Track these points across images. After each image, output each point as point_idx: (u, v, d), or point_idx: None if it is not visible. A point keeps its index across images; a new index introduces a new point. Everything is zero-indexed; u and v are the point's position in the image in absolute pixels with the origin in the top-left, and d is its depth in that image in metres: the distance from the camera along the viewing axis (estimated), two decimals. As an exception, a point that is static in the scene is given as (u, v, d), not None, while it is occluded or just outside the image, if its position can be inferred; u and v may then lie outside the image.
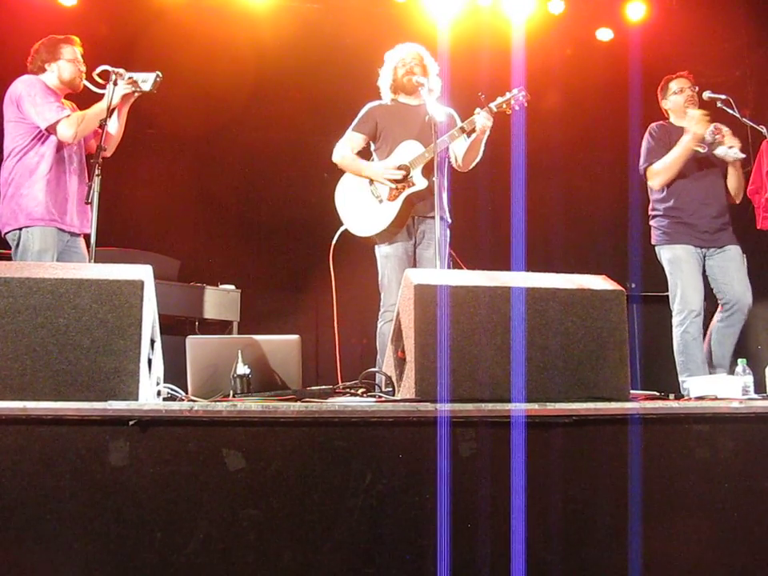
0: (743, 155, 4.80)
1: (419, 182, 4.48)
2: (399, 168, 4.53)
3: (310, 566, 2.38)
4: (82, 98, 4.56)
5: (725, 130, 4.82)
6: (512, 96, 4.54)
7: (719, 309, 4.81)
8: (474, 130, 4.54)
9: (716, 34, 6.89)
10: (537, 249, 5.89)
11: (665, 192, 4.93)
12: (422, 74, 4.65)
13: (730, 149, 4.79)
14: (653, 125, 5.03)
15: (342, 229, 4.59)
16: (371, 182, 4.60)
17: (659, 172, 4.87)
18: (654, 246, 4.99)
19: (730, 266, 4.80)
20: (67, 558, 2.28)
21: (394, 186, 4.51)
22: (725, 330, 4.73)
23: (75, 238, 4.42)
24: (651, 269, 5.19)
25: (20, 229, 4.24)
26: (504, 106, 4.54)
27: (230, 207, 7.02)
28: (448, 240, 4.64)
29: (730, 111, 4.86)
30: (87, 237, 4.23)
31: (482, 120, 4.46)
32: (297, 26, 6.82)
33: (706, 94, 4.93)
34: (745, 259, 4.93)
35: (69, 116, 4.30)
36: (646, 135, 5.01)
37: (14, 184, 4.28)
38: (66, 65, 4.49)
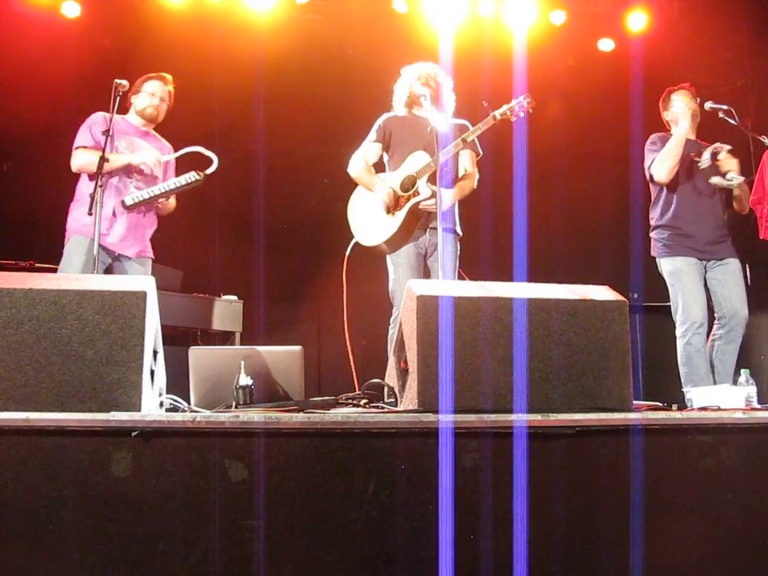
0: (739, 179, 4.80)
1: (424, 192, 4.49)
2: (407, 179, 4.55)
3: (312, 577, 2.38)
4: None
5: (723, 151, 4.83)
6: (516, 103, 4.52)
7: (715, 324, 4.80)
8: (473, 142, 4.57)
9: (717, 43, 6.90)
10: (539, 259, 5.89)
11: (665, 202, 4.94)
12: (435, 92, 4.65)
13: (725, 176, 4.81)
14: (653, 135, 5.05)
15: (353, 241, 4.61)
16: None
17: (662, 159, 4.87)
18: (654, 257, 4.99)
19: (729, 280, 4.80)
20: (69, 569, 2.28)
21: (413, 187, 4.53)
22: (725, 347, 4.72)
23: (129, 260, 4.57)
24: (653, 279, 5.18)
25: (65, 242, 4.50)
26: (508, 113, 4.51)
27: (232, 218, 7.02)
28: (458, 253, 4.65)
29: (732, 121, 4.87)
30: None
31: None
32: (299, 37, 6.84)
33: (708, 105, 4.94)
34: (748, 270, 4.91)
35: (85, 147, 4.48)
36: (647, 144, 5.03)
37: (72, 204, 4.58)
38: (143, 97, 4.70)
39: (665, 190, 4.95)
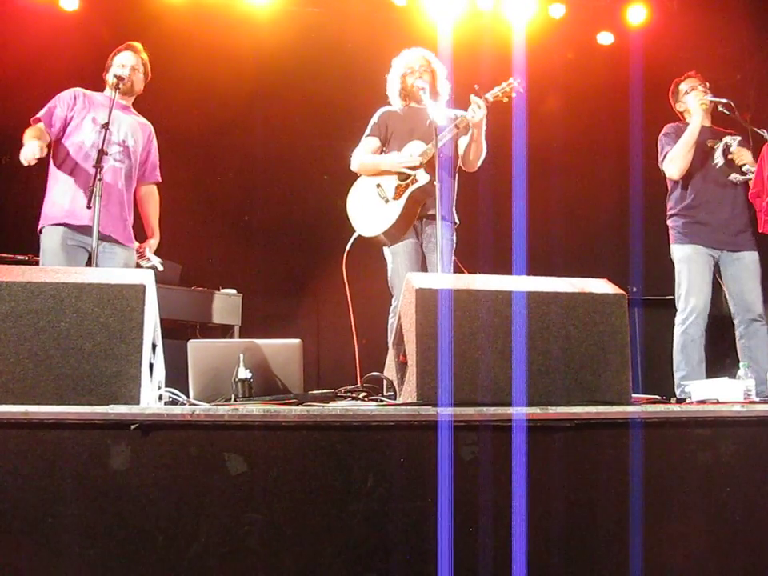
0: (753, 170, 4.80)
1: (421, 178, 4.47)
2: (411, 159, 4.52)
3: (311, 570, 2.38)
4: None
5: (734, 143, 4.82)
6: (507, 84, 4.50)
7: (735, 325, 4.79)
8: (468, 126, 4.53)
9: (716, 37, 6.90)
10: (538, 252, 5.88)
11: (681, 191, 4.92)
12: (431, 79, 4.64)
13: (741, 168, 4.81)
14: (667, 126, 5.04)
15: (354, 236, 4.57)
16: (378, 185, 4.59)
17: (673, 158, 4.87)
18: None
19: (743, 276, 4.78)
20: (68, 562, 2.28)
21: (413, 173, 4.49)
22: (748, 344, 4.70)
23: (111, 245, 4.41)
24: (652, 272, 5.19)
25: (40, 231, 4.34)
26: (500, 94, 4.49)
27: (231, 211, 7.02)
28: (454, 243, 4.63)
29: (731, 115, 4.87)
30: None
31: (470, 112, 4.43)
32: (297, 30, 6.83)
33: (707, 98, 4.93)
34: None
35: (36, 120, 4.38)
36: (660, 135, 5.02)
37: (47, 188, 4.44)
38: (114, 70, 4.52)
39: (681, 179, 4.93)
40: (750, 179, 4.79)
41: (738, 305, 4.75)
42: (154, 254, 4.65)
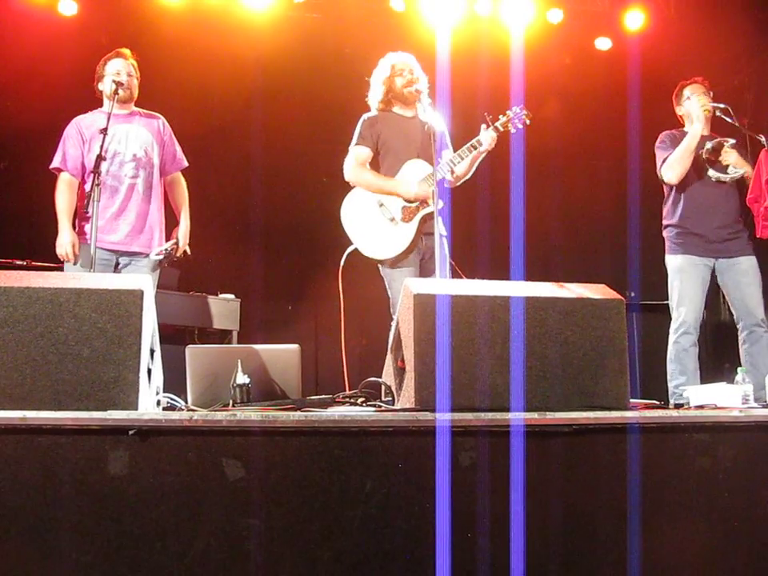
0: (738, 173, 4.79)
1: (433, 203, 4.40)
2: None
3: (309, 575, 2.38)
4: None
5: (727, 145, 4.82)
6: (515, 115, 4.52)
7: (739, 330, 4.78)
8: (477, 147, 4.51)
9: (714, 42, 6.90)
10: (536, 258, 5.90)
11: (675, 201, 4.92)
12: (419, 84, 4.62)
13: (724, 171, 4.81)
14: (662, 134, 5.04)
15: (350, 249, 4.45)
16: (380, 203, 4.47)
17: (672, 163, 4.86)
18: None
19: (742, 281, 4.77)
20: (66, 568, 2.28)
21: (427, 200, 4.42)
22: (750, 349, 4.70)
23: (137, 257, 4.45)
24: (650, 278, 5.19)
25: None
26: (509, 125, 4.53)
27: (229, 216, 7.02)
28: (448, 252, 4.61)
29: (729, 120, 4.87)
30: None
31: (488, 139, 4.44)
32: (296, 35, 6.83)
33: (708, 104, 4.93)
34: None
35: (59, 170, 4.44)
36: (656, 143, 5.01)
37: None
38: (108, 80, 4.47)
39: (674, 188, 4.94)
40: (732, 179, 4.80)
41: (740, 310, 4.75)
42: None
